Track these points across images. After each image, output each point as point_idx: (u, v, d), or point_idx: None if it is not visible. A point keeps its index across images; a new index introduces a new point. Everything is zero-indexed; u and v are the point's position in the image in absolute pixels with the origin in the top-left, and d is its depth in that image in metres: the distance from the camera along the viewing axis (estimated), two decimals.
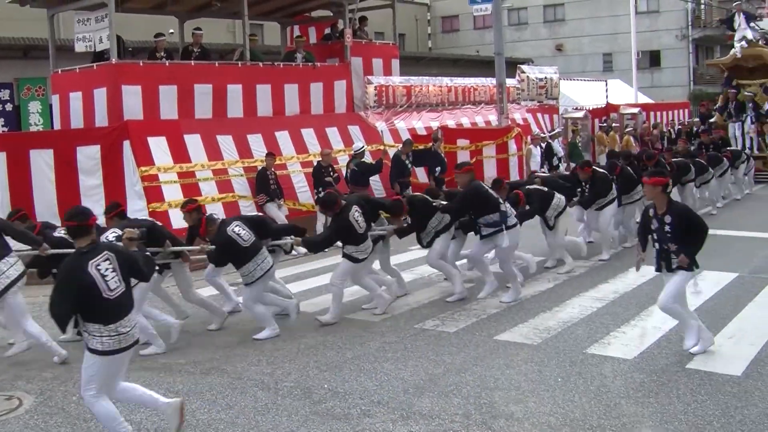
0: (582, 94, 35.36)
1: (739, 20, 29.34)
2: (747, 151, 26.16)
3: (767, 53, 28.38)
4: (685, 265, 8.94)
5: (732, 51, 29.41)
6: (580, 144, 26.15)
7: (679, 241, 8.95)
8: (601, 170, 15.59)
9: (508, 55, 29.01)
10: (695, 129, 29.35)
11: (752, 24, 30.58)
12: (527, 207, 13.36)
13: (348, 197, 12.07)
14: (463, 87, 26.06)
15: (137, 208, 15.44)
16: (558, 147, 24.58)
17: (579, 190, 15.23)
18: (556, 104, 29.98)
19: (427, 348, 9.64)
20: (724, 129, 27.72)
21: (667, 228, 8.98)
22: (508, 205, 12.20)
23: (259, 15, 23.14)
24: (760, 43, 29.77)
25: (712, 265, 13.75)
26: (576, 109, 30.62)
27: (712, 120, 29.50)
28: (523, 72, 28.81)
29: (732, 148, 24.29)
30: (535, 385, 8.24)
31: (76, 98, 17.69)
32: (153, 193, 15.75)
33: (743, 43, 28.54)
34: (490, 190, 12.13)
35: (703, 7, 58.66)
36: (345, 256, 11.26)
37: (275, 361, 9.41)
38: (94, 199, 15.99)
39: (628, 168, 16.08)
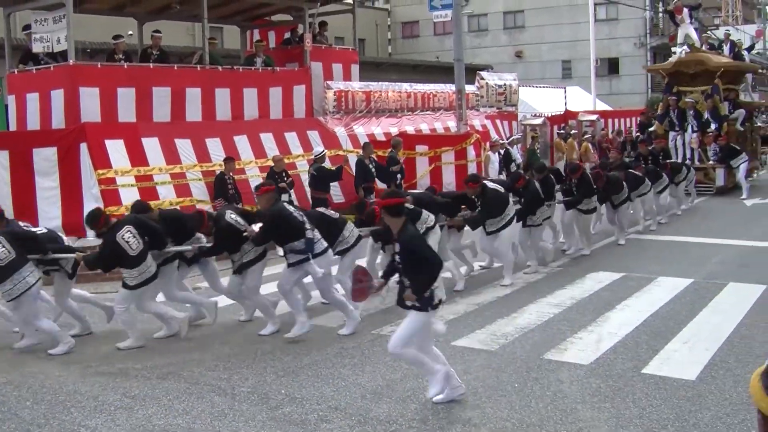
0: (541, 101, 35.59)
1: (681, 15, 27.99)
2: (687, 162, 24.90)
3: (709, 58, 26.92)
4: (411, 303, 7.74)
5: (674, 54, 28.16)
6: (538, 151, 26.33)
7: (409, 274, 7.79)
8: (493, 187, 13.60)
9: (467, 61, 29.09)
10: (641, 138, 26.48)
11: (694, 19, 29.03)
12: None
13: (126, 216, 11.19)
14: (422, 93, 26.11)
15: None
16: (516, 153, 24.71)
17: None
18: (515, 111, 30.14)
19: (385, 353, 9.56)
20: (665, 138, 25.91)
21: (397, 258, 7.93)
22: (317, 232, 10.88)
23: (219, 18, 23.09)
24: (703, 48, 28.29)
25: (667, 271, 13.97)
26: (535, 115, 30.84)
27: (651, 129, 27.64)
28: (483, 78, 28.93)
29: (672, 160, 22.95)
30: (492, 390, 8.27)
31: (32, 99, 17.53)
32: (110, 196, 15.63)
33: (686, 47, 27.20)
34: (294, 214, 10.81)
35: (660, 15, 59.30)
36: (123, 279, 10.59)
37: (232, 366, 9.37)
38: (50, 201, 15.92)
39: (536, 183, 14.50)
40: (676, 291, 12.47)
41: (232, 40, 29.52)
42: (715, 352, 9.31)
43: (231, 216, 11.15)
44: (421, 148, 21.30)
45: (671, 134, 26.64)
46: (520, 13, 60.70)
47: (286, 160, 18.50)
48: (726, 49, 29.67)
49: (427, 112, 26.00)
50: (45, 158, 16.12)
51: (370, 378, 8.75)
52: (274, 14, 24.22)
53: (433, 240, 11.95)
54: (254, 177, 18.31)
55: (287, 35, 23.94)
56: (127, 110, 17.37)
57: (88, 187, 15.80)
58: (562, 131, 29.12)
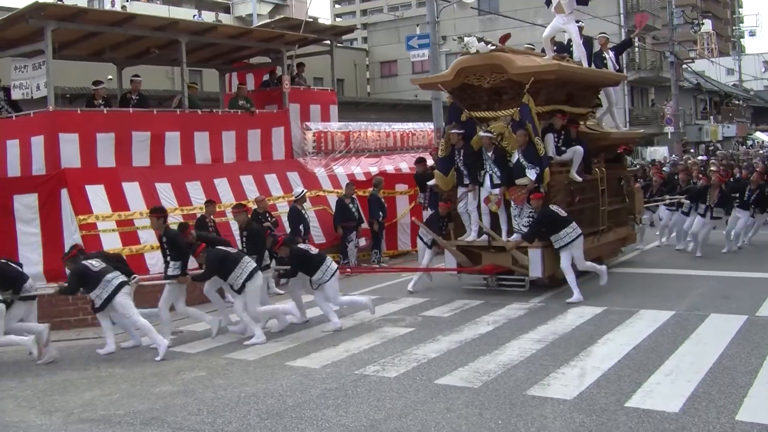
0: None
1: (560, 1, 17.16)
2: (485, 236, 16.12)
3: (509, 60, 15.62)
4: None
5: (465, 47, 16.16)
6: None
7: None
8: None
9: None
10: (424, 202, 19.23)
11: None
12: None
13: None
14: (401, 132, 26.23)
15: None
16: None
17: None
18: None
19: (368, 394, 9.63)
20: (450, 200, 16.77)
21: None
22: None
23: (198, 62, 23.17)
24: (554, 50, 17.66)
25: (649, 303, 14.01)
26: None
27: (431, 183, 17.99)
28: None
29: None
30: (476, 428, 8.26)
31: (13, 146, 17.52)
32: (91, 241, 15.60)
33: (474, 41, 16.00)
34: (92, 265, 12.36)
35: (637, 50, 59.92)
36: None
37: (216, 410, 9.33)
38: (31, 248, 15.90)
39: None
40: (657, 323, 12.51)
41: (211, 83, 29.60)
42: (698, 384, 9.34)
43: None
44: (400, 187, 21.45)
45: (459, 191, 16.58)
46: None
47: (268, 201, 18.54)
48: (584, 54, 18.41)
49: (407, 151, 26.09)
50: (26, 205, 16.12)
51: (353, 418, 8.72)
52: (253, 57, 24.32)
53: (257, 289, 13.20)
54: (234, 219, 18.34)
55: (266, 77, 24.07)
56: (106, 155, 17.37)
57: (69, 233, 15.79)
58: None
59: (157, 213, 13.42)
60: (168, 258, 13.28)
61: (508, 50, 16.25)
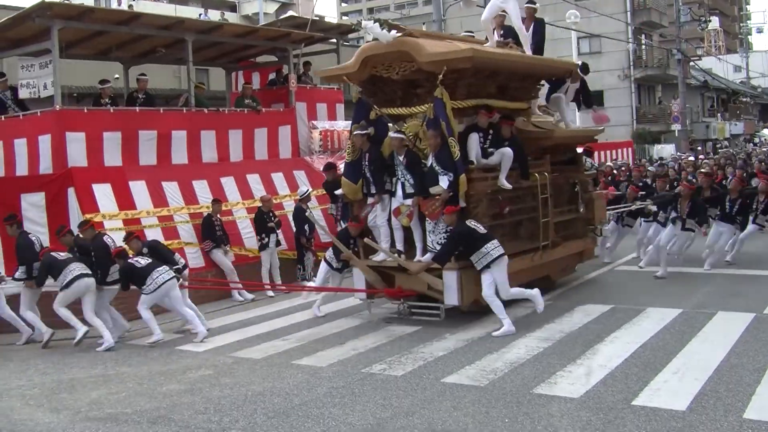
0: None
1: None
2: (396, 256, 13.72)
3: (418, 47, 13.18)
4: None
5: (363, 32, 14.06)
6: None
7: None
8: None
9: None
10: (334, 209, 18.85)
11: None
12: None
13: None
14: None
15: None
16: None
17: None
18: None
19: (375, 392, 9.62)
20: (358, 220, 14.48)
21: None
22: None
23: (204, 61, 23.17)
24: (496, 35, 15.95)
25: (656, 302, 13.99)
26: None
27: (339, 192, 15.49)
28: None
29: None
30: (483, 426, 8.25)
31: (20, 145, 17.53)
32: None
33: (373, 26, 13.50)
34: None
35: (644, 47, 59.88)
36: None
37: (222, 408, 9.34)
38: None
39: None
40: (664, 321, 12.49)
41: (218, 82, 29.60)
42: (705, 382, 9.33)
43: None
44: None
45: (369, 201, 14.27)
46: None
47: (273, 200, 18.51)
48: (527, 38, 16.36)
49: None
50: (33, 204, 16.13)
51: (360, 417, 8.73)
52: (259, 56, 24.31)
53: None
54: (242, 218, 18.35)
55: (272, 76, 24.06)
56: (113, 154, 17.36)
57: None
58: None
59: (9, 221, 14.18)
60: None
61: (419, 34, 14.01)
